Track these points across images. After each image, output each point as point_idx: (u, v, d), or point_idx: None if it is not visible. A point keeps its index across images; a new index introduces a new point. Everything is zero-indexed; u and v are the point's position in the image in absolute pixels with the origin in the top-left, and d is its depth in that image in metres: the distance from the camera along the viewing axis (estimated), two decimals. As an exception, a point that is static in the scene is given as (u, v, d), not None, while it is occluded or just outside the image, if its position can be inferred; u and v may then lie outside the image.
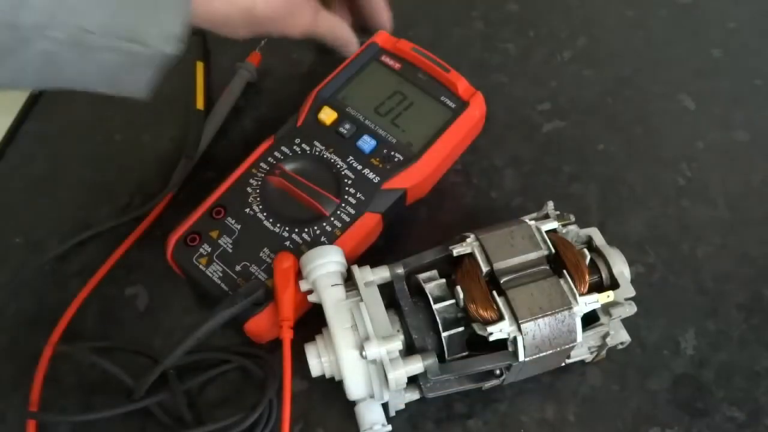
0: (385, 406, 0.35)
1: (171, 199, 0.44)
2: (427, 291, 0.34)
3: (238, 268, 0.38)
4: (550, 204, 0.37)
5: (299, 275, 0.36)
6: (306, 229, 0.39)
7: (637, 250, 0.43)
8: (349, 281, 0.35)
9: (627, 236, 0.43)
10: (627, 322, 0.36)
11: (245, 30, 0.39)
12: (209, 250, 0.38)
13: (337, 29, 0.44)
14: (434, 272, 0.36)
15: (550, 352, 0.33)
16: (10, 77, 0.34)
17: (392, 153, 0.41)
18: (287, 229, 0.39)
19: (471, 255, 0.35)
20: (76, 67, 0.33)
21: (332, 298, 0.34)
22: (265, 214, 0.39)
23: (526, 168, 0.46)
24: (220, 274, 0.38)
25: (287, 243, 0.38)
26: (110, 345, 0.39)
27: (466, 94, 0.43)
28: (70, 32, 0.31)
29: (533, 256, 0.34)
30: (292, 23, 0.41)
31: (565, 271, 0.34)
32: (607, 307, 0.34)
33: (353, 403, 0.35)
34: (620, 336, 0.36)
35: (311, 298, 0.35)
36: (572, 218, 0.37)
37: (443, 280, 0.35)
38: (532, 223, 0.36)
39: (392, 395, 0.34)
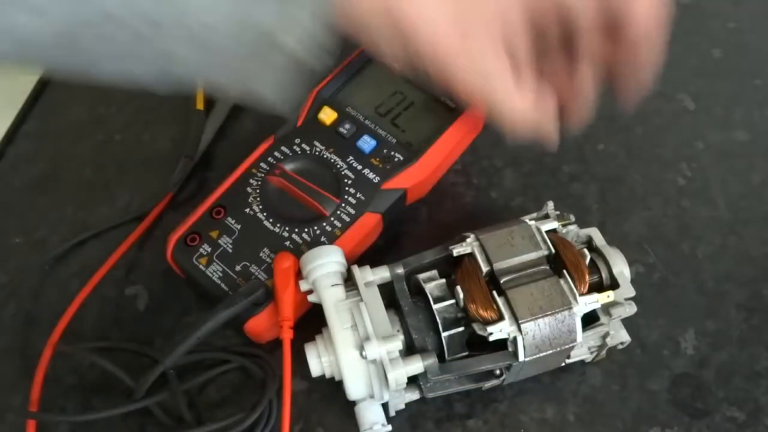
0: (385, 406, 0.35)
1: (171, 199, 0.44)
2: (427, 291, 0.34)
3: (238, 268, 0.38)
4: (550, 204, 0.37)
5: (299, 275, 0.36)
6: (306, 229, 0.39)
7: (637, 250, 0.43)
8: (349, 281, 0.35)
9: (627, 236, 0.43)
10: (627, 322, 0.36)
11: (395, 44, 0.30)
12: (209, 250, 0.38)
13: (537, 117, 0.33)
14: (434, 272, 0.36)
15: (550, 352, 0.33)
16: (129, 70, 0.31)
17: (392, 153, 0.41)
18: (287, 229, 0.39)
19: (471, 255, 0.35)
20: (200, 63, 0.30)
21: (332, 298, 0.34)
22: (265, 214, 0.39)
23: (526, 168, 0.46)
24: (220, 274, 0.38)
25: (287, 243, 0.38)
26: (110, 345, 0.39)
27: (466, 94, 0.43)
28: (194, 30, 0.28)
29: (533, 256, 0.34)
30: (463, 62, 0.30)
31: (565, 271, 0.34)
32: (607, 307, 0.34)
33: (353, 403, 0.35)
34: (620, 336, 0.36)
35: (311, 298, 0.35)
36: (572, 218, 0.37)
37: (443, 280, 0.35)
38: (532, 223, 0.36)
39: (392, 395, 0.34)
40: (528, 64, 0.32)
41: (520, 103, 0.32)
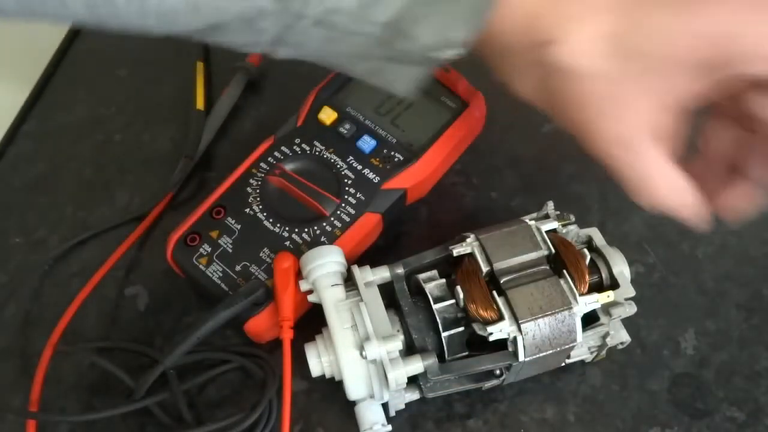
0: (385, 406, 0.35)
1: (171, 199, 0.44)
2: (427, 291, 0.34)
3: (238, 268, 0.38)
4: (550, 204, 0.37)
5: (299, 275, 0.36)
6: (306, 229, 0.39)
7: (637, 250, 0.43)
8: (349, 281, 0.35)
9: (627, 236, 0.43)
10: (627, 322, 0.36)
11: (534, 81, 0.27)
12: (209, 250, 0.38)
13: (680, 200, 0.29)
14: (434, 272, 0.36)
15: (550, 352, 0.33)
16: (244, 42, 0.29)
17: (392, 153, 0.41)
18: (287, 229, 0.39)
19: (471, 255, 0.35)
20: (323, 46, 0.28)
21: (332, 298, 0.34)
22: (265, 214, 0.39)
23: (526, 168, 0.46)
24: (220, 274, 0.38)
25: (287, 243, 0.38)
26: (110, 345, 0.39)
27: (466, 94, 0.43)
28: (318, 12, 0.26)
29: (533, 256, 0.34)
30: (610, 117, 0.26)
31: (565, 271, 0.34)
32: (607, 307, 0.34)
33: (353, 403, 0.35)
34: (620, 336, 0.36)
35: (311, 298, 0.35)
36: (572, 218, 0.37)
37: (443, 280, 0.35)
38: (532, 223, 0.36)
39: (392, 395, 0.34)
40: (681, 146, 0.28)
41: (664, 186, 0.28)
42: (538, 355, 0.33)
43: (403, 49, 0.27)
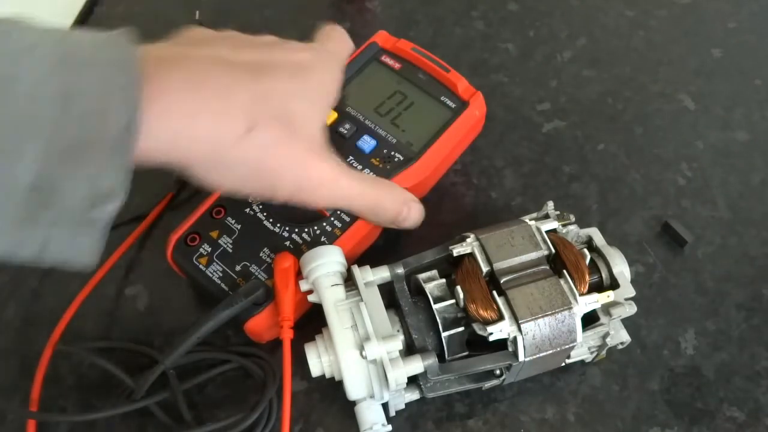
0: (385, 406, 0.35)
1: (171, 199, 0.44)
2: (427, 291, 0.34)
3: (238, 268, 0.38)
4: (550, 204, 0.37)
5: (299, 275, 0.36)
6: (306, 229, 0.39)
7: (637, 250, 0.43)
8: (349, 281, 0.35)
9: (627, 236, 0.43)
10: (627, 322, 0.36)
11: (237, 172, 0.29)
12: (209, 250, 0.38)
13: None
14: (434, 272, 0.36)
15: (550, 352, 0.33)
16: None
17: (392, 153, 0.41)
18: (287, 229, 0.39)
19: (471, 255, 0.35)
20: None
21: (332, 298, 0.34)
22: (265, 214, 0.39)
23: (526, 168, 0.46)
24: (220, 274, 0.38)
25: (287, 243, 0.38)
26: (110, 345, 0.39)
27: (466, 94, 0.43)
28: None
29: (533, 256, 0.34)
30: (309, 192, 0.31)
31: (565, 271, 0.34)
32: (607, 307, 0.34)
33: (353, 403, 0.35)
34: (620, 336, 0.36)
35: (311, 298, 0.35)
36: (572, 218, 0.37)
37: (443, 280, 0.35)
38: (532, 223, 0.36)
39: (392, 395, 0.34)
40: None
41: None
42: (538, 355, 0.33)
43: (58, 209, 0.25)
